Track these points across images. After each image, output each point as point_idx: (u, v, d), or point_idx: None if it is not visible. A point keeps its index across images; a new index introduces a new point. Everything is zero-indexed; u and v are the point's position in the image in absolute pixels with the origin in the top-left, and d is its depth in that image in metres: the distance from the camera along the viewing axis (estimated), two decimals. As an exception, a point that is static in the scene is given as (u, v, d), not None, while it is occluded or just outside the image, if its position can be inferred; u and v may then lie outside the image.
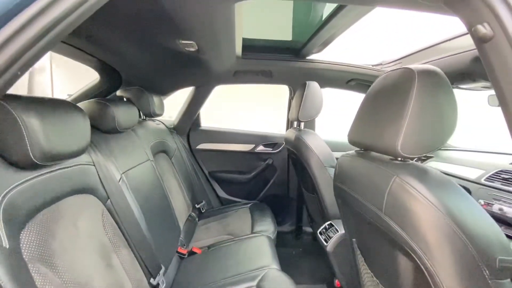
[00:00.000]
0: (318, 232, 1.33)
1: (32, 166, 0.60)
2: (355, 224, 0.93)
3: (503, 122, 0.48)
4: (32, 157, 0.57)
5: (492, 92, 1.23)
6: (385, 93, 0.70)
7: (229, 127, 2.11)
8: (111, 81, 1.51)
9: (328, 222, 1.32)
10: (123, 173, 1.01)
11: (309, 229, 2.08)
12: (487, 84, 1.19)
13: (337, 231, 1.23)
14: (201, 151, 2.05)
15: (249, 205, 1.85)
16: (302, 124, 1.56)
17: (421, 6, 0.72)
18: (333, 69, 1.67)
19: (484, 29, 0.41)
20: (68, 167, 0.73)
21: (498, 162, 1.20)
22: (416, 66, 0.63)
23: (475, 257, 0.49)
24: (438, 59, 1.27)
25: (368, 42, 1.70)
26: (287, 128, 2.06)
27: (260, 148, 2.05)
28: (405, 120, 0.59)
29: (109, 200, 0.87)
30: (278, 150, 2.03)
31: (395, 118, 0.62)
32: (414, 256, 0.56)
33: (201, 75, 1.75)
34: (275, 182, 2.07)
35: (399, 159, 0.65)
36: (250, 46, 1.53)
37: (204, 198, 1.96)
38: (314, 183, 1.40)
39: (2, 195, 0.52)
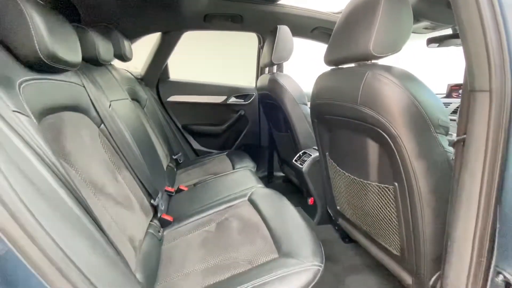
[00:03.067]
0: (293, 160, 1.51)
1: (39, 63, 0.59)
2: (329, 137, 1.10)
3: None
4: (39, 53, 0.56)
5: (431, 34, 1.47)
6: (356, 10, 0.82)
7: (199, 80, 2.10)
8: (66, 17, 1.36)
9: (302, 151, 1.50)
10: (111, 101, 0.99)
11: (279, 174, 2.28)
12: (429, 24, 1.42)
13: (310, 155, 1.42)
14: (172, 103, 2.02)
15: (226, 153, 1.95)
16: (275, 68, 1.65)
17: None
18: (301, 15, 1.75)
19: None
20: (65, 82, 0.71)
21: None
22: None
23: (425, 118, 0.67)
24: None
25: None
26: (257, 78, 2.13)
27: (232, 99, 2.10)
28: (375, 27, 0.73)
29: (102, 124, 0.87)
30: (249, 101, 2.11)
31: (367, 27, 0.75)
32: (381, 130, 0.73)
33: (170, 19, 1.68)
34: (248, 133, 2.18)
35: (370, 61, 0.80)
36: None
37: (180, 150, 1.98)
38: (288, 121, 1.54)
39: (19, 81, 0.52)
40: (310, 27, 1.85)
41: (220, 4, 1.61)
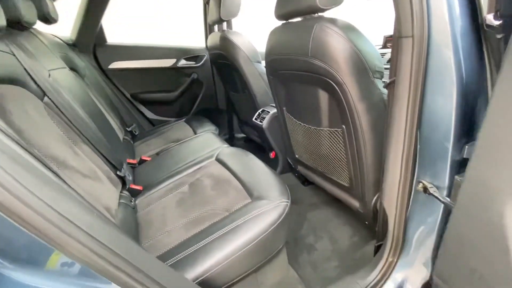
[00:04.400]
0: (253, 118, 1.57)
1: None
2: (285, 92, 1.17)
3: None
4: None
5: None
6: None
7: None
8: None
9: (260, 109, 1.56)
10: (49, 70, 0.88)
11: (240, 135, 2.35)
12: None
13: (268, 112, 1.50)
14: (115, 71, 1.84)
15: (184, 119, 1.91)
16: (225, 25, 1.59)
17: None
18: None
19: None
20: None
21: None
22: None
23: (365, 64, 0.77)
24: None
25: None
26: (206, 37, 2.03)
27: (182, 62, 1.99)
28: None
29: (46, 97, 0.79)
30: (201, 62, 2.03)
31: None
32: (330, 79, 0.82)
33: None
34: (204, 97, 2.14)
35: (317, 14, 0.85)
36: None
37: (134, 121, 1.88)
38: (243, 80, 1.56)
39: None
40: None
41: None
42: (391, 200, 0.75)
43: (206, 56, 2.03)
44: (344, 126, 0.91)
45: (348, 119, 0.86)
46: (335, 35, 0.76)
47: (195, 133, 1.61)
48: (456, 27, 0.56)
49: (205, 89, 2.13)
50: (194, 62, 2.03)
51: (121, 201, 0.93)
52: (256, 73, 1.52)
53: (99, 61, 1.77)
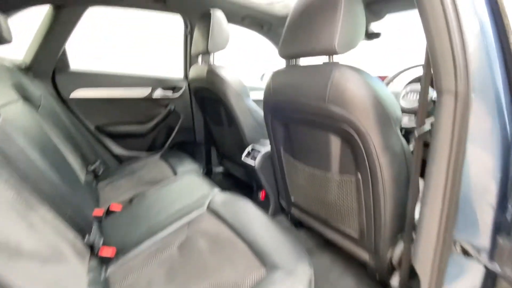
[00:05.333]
0: (242, 157, 1.45)
1: None
2: (284, 131, 1.09)
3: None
4: None
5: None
6: (314, 4, 0.81)
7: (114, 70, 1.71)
8: None
9: (250, 147, 1.45)
10: None
11: (218, 169, 2.19)
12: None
13: (260, 151, 1.39)
14: (78, 100, 1.59)
15: (159, 154, 1.70)
16: (212, 57, 1.50)
17: None
18: (232, 1, 1.64)
19: None
20: None
21: None
22: None
23: (388, 113, 0.73)
24: None
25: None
26: (186, 70, 1.92)
27: (159, 92, 1.83)
28: (339, 23, 0.73)
29: None
30: (179, 93, 1.89)
31: (330, 22, 0.75)
32: (349, 127, 0.76)
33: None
34: (180, 129, 1.96)
35: (332, 59, 0.81)
36: None
37: (97, 158, 1.60)
38: (231, 115, 1.45)
39: None
40: (241, 14, 1.77)
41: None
42: (426, 262, 0.67)
43: (185, 87, 1.90)
44: (359, 175, 0.84)
45: (367, 168, 0.79)
46: (357, 82, 0.71)
47: (175, 173, 1.41)
48: (498, 82, 0.54)
49: (182, 121, 1.96)
50: (172, 93, 1.88)
51: (90, 277, 0.70)
52: (245, 109, 1.43)
53: (58, 88, 1.51)
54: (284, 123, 1.07)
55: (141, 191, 1.28)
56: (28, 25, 1.40)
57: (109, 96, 1.68)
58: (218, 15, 1.40)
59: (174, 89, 1.89)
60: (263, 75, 2.34)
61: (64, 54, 1.50)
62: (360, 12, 0.77)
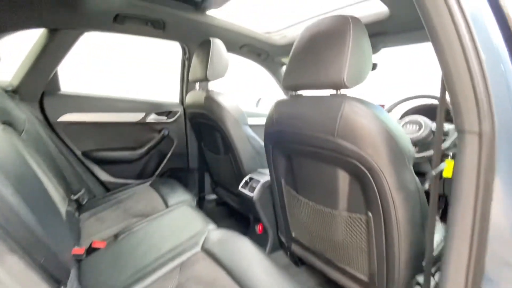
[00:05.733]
0: (239, 187, 1.37)
1: None
2: (286, 163, 1.03)
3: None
4: None
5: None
6: (321, 37, 0.79)
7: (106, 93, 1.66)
8: None
9: (248, 176, 1.38)
10: None
11: (211, 197, 2.09)
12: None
13: (259, 181, 1.32)
14: (66, 124, 1.51)
15: (149, 182, 1.60)
16: (210, 85, 1.48)
17: None
18: (231, 30, 1.66)
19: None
20: None
21: None
22: (344, 14, 0.76)
23: (402, 150, 0.69)
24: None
25: (257, 10, 1.79)
26: (182, 95, 1.89)
27: (153, 117, 1.77)
28: (347, 57, 0.71)
29: None
30: (174, 118, 1.83)
31: (338, 56, 0.73)
32: (360, 163, 0.71)
33: (63, 13, 1.23)
34: (174, 155, 1.88)
35: (339, 92, 0.78)
36: None
37: (82, 186, 1.48)
38: (228, 143, 1.40)
39: None
40: (240, 43, 1.78)
41: (138, 4, 1.31)
42: None
43: (180, 112, 1.85)
44: (370, 214, 0.78)
45: (379, 207, 0.73)
46: (369, 117, 0.68)
47: (167, 205, 1.31)
48: None
49: (176, 147, 1.89)
50: (166, 117, 1.82)
51: None
52: (244, 136, 1.38)
53: (45, 112, 1.43)
54: (287, 155, 1.02)
55: (128, 224, 1.17)
56: (18, 46, 1.35)
57: (99, 120, 1.60)
58: (218, 43, 1.40)
59: (169, 114, 1.84)
60: (258, 100, 2.33)
61: (55, 76, 1.45)
62: (367, 45, 0.75)
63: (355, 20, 0.74)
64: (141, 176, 1.79)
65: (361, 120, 0.68)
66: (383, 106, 1.89)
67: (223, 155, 1.54)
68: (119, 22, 1.37)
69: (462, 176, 0.54)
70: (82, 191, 1.44)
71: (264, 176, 1.34)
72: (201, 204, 2.05)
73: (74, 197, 1.37)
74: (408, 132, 1.43)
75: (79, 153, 1.56)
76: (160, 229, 1.09)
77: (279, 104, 0.95)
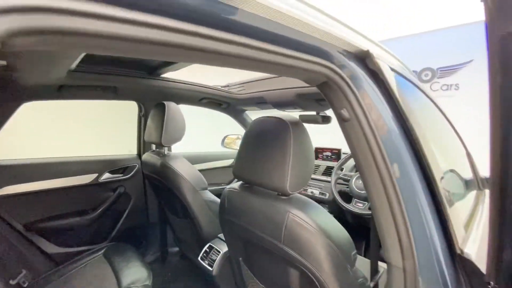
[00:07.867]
0: (199, 258, 1.33)
1: None
2: (243, 247, 1.03)
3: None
4: None
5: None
6: (265, 138, 0.82)
7: (51, 156, 1.54)
8: None
9: (208, 245, 1.35)
10: None
11: (174, 249, 2.00)
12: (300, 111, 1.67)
13: (219, 252, 1.29)
14: (4, 198, 1.36)
15: (102, 251, 1.48)
16: (166, 148, 1.44)
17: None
18: (187, 89, 1.65)
19: (345, 113, 0.61)
20: None
21: None
22: (285, 116, 0.80)
23: (343, 259, 0.72)
24: (272, 90, 1.60)
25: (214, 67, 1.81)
26: (140, 148, 1.82)
27: (107, 176, 1.67)
28: (289, 165, 0.74)
29: None
30: (131, 174, 1.75)
31: (280, 162, 0.75)
32: (307, 271, 0.74)
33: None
34: (131, 212, 1.78)
35: (286, 196, 0.80)
36: (90, 58, 1.16)
37: (23, 266, 1.33)
38: (186, 209, 1.36)
39: None
40: (198, 97, 1.78)
41: (84, 77, 1.25)
42: None
43: (138, 166, 1.78)
44: None
45: None
46: (311, 230, 0.70)
47: (119, 283, 1.22)
48: (440, 257, 0.57)
49: (133, 203, 1.79)
50: (122, 174, 1.73)
51: None
52: (202, 202, 1.36)
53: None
54: (243, 240, 1.01)
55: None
56: None
57: (43, 187, 1.47)
58: (173, 108, 1.38)
59: (125, 170, 1.75)
60: (224, 138, 2.33)
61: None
62: (308, 146, 0.78)
63: (294, 124, 0.77)
64: (95, 241, 1.66)
65: (305, 235, 0.70)
66: (339, 150, 2.00)
67: (183, 219, 1.50)
68: (63, 91, 1.29)
69: None
70: (23, 273, 1.30)
71: (224, 244, 1.32)
72: (164, 258, 1.96)
73: (13, 282, 1.23)
74: (360, 185, 1.52)
75: (20, 227, 1.41)
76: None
77: (230, 194, 0.95)
